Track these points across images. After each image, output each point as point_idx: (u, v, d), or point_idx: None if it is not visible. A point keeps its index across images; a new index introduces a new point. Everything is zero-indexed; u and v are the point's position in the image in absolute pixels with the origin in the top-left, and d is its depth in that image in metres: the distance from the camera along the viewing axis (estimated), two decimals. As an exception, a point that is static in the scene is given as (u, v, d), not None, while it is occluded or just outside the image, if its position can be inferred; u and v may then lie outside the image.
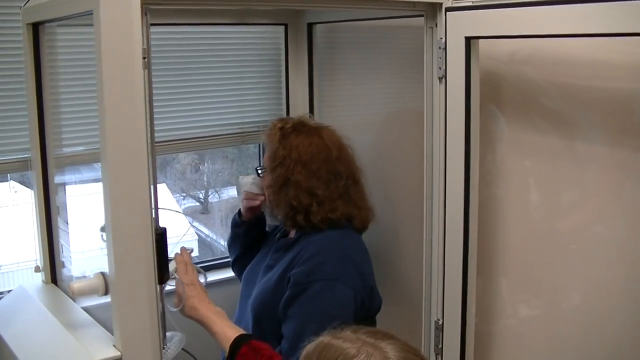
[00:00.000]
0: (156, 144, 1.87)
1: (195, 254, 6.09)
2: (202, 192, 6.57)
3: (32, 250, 2.64)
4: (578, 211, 2.21)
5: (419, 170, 2.39)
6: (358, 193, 2.49)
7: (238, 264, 2.83)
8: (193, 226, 6.40)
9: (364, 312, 2.32)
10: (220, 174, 6.36)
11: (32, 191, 2.57)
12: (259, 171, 2.56)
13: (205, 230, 6.55)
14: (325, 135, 2.48)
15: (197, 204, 6.71)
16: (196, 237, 6.36)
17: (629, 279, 2.07)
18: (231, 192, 6.29)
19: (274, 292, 2.34)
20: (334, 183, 2.42)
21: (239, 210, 2.76)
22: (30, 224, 2.62)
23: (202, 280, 2.43)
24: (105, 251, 2.25)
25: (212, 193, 6.57)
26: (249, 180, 2.61)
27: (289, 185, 2.40)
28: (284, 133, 2.46)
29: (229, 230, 2.85)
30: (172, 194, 5.86)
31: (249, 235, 2.74)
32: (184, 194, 6.38)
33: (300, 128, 2.48)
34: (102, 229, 2.28)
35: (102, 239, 2.26)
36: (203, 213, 6.70)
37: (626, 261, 2.07)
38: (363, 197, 2.52)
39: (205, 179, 6.52)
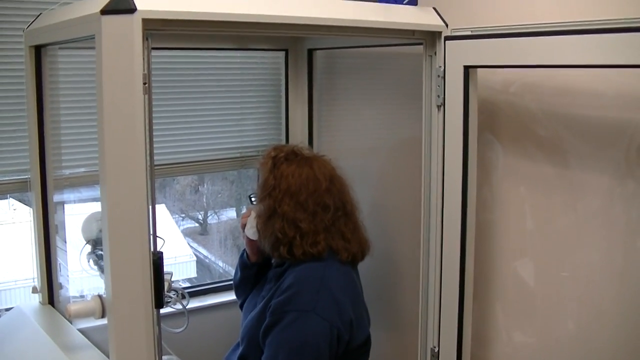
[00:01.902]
0: (155, 167, 1.87)
1: (193, 275, 6.09)
2: (201, 213, 6.57)
3: (30, 269, 2.65)
4: (571, 238, 2.21)
5: (416, 195, 2.40)
6: (348, 225, 2.45)
7: None
8: (191, 247, 6.41)
9: (343, 346, 2.29)
10: (219, 195, 6.36)
11: (31, 212, 2.58)
12: (252, 199, 2.55)
13: (204, 252, 6.54)
14: (316, 166, 2.44)
15: (196, 225, 6.71)
16: (194, 258, 6.35)
17: (623, 305, 2.08)
18: (230, 213, 6.30)
19: (258, 321, 2.34)
20: (320, 215, 2.38)
21: (245, 252, 2.68)
22: (28, 241, 2.63)
23: (184, 303, 2.42)
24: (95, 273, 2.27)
25: (211, 214, 6.58)
26: (252, 231, 2.53)
27: (276, 216, 2.37)
28: (276, 162, 2.44)
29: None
30: (171, 215, 5.86)
31: (259, 276, 2.66)
32: (183, 215, 6.39)
33: (292, 157, 2.46)
34: (90, 254, 2.31)
35: (89, 265, 2.29)
36: (202, 234, 6.70)
37: (619, 287, 2.08)
38: (355, 229, 2.47)
39: (204, 200, 6.53)
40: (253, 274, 2.66)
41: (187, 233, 6.51)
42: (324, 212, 2.38)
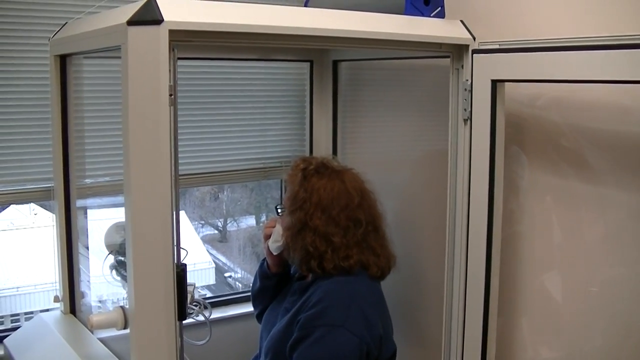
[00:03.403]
0: (179, 178, 1.87)
1: (211, 282, 6.10)
2: (220, 220, 6.58)
3: (50, 273, 2.65)
4: (600, 253, 2.19)
5: (441, 209, 2.39)
6: (377, 240, 2.43)
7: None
8: (210, 254, 6.42)
9: None
10: (239, 202, 6.37)
11: (54, 222, 2.58)
12: (279, 210, 2.53)
13: (223, 259, 6.56)
14: (347, 179, 2.43)
15: (216, 231, 6.73)
16: (213, 265, 6.37)
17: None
18: (249, 221, 6.30)
19: (284, 335, 2.32)
20: (352, 230, 2.36)
21: (266, 262, 2.65)
22: (49, 246, 2.64)
23: (206, 314, 2.41)
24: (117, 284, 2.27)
25: (230, 221, 6.59)
26: (276, 246, 2.50)
27: (306, 229, 2.35)
28: (306, 175, 2.42)
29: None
30: (191, 222, 5.88)
31: (278, 287, 2.65)
32: (203, 222, 6.40)
33: (322, 170, 2.43)
34: (112, 267, 2.30)
35: (112, 275, 2.28)
36: (221, 241, 6.72)
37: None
38: (383, 243, 2.45)
39: (224, 208, 6.54)
40: (273, 284, 2.64)
41: (206, 240, 6.53)
42: (355, 227, 2.36)
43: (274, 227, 2.51)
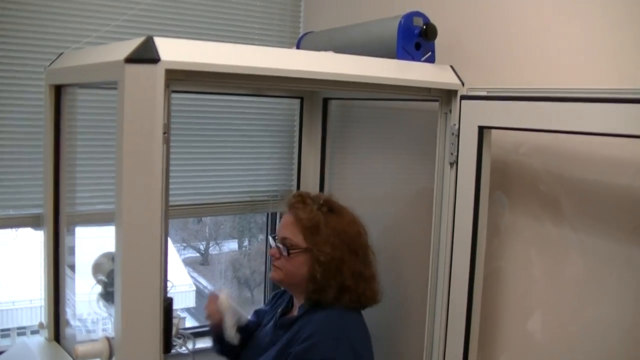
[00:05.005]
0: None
1: (191, 304, 6.04)
2: (202, 243, 6.57)
3: (29, 290, 2.65)
4: (577, 295, 2.21)
5: (425, 248, 2.42)
6: (367, 274, 2.48)
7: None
8: (191, 277, 6.40)
9: None
10: (222, 226, 6.37)
11: (42, 249, 2.58)
12: (276, 240, 2.53)
13: (204, 282, 6.54)
14: (352, 216, 2.51)
15: (197, 254, 6.71)
16: (194, 288, 6.35)
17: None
18: (232, 245, 6.30)
19: None
20: (348, 264, 2.41)
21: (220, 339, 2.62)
22: (29, 263, 2.64)
23: (189, 346, 2.42)
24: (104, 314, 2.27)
25: (212, 245, 6.58)
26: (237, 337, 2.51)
27: (344, 265, 2.40)
28: (324, 212, 2.46)
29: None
30: (173, 244, 5.87)
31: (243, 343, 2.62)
32: (185, 244, 6.38)
33: (332, 207, 2.50)
34: (102, 296, 2.31)
35: (99, 307, 2.29)
36: (202, 264, 6.70)
37: (629, 344, 2.07)
38: (372, 278, 2.50)
39: (207, 231, 6.53)
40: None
41: (187, 262, 6.51)
42: (353, 260, 2.43)
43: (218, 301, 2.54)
